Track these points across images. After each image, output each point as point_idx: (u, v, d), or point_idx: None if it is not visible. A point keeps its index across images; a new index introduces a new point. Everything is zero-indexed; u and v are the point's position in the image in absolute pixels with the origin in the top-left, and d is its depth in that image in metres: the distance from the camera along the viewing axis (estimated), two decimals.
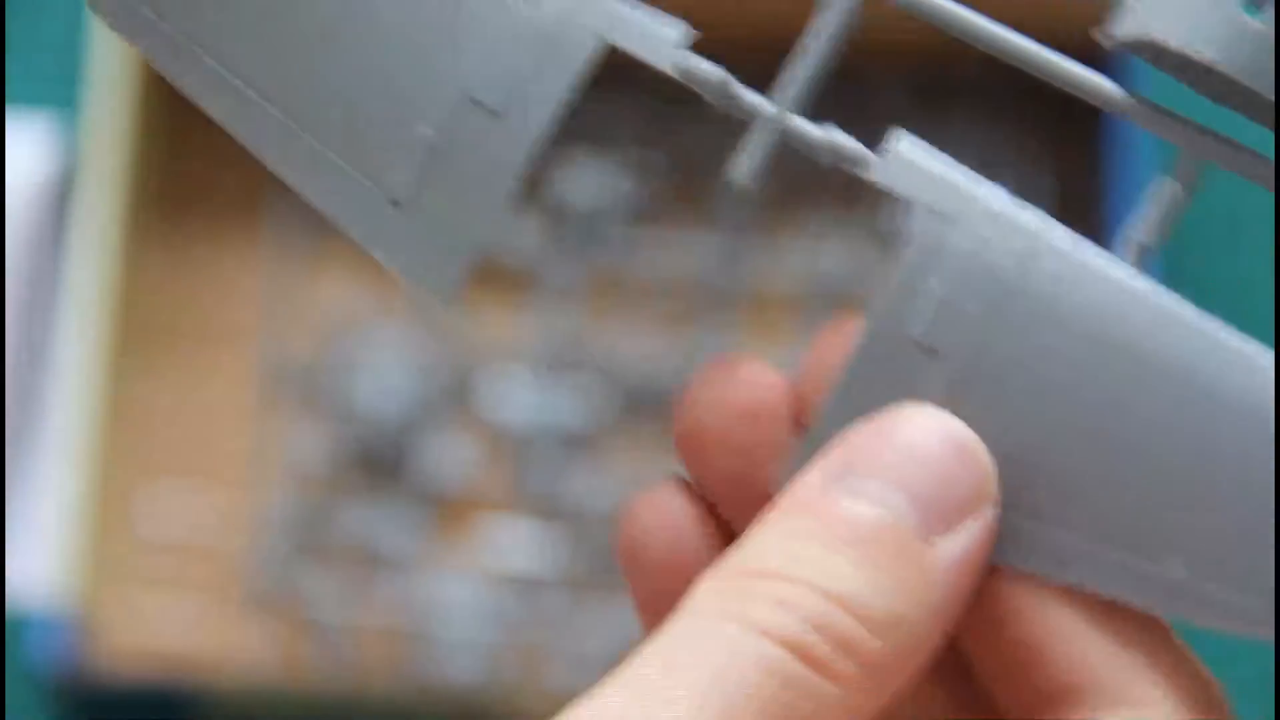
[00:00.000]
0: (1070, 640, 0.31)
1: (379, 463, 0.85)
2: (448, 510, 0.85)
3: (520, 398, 0.85)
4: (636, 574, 0.34)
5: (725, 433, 0.33)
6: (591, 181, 0.86)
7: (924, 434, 0.30)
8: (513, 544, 0.84)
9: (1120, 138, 0.82)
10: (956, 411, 0.30)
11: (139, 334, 0.84)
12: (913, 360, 0.31)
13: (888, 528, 0.29)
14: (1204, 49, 0.30)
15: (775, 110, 0.31)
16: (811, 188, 0.85)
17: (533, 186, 0.88)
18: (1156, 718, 0.30)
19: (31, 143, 0.86)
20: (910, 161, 0.31)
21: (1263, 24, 0.30)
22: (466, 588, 0.83)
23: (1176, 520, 0.30)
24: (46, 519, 0.80)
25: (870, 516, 0.30)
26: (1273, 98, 0.30)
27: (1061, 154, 0.87)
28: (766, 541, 0.30)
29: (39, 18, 0.89)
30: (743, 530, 0.31)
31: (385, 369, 0.85)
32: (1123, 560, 0.30)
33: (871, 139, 0.32)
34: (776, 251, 0.86)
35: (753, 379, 0.33)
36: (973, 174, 0.31)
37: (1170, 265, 0.77)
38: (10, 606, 0.81)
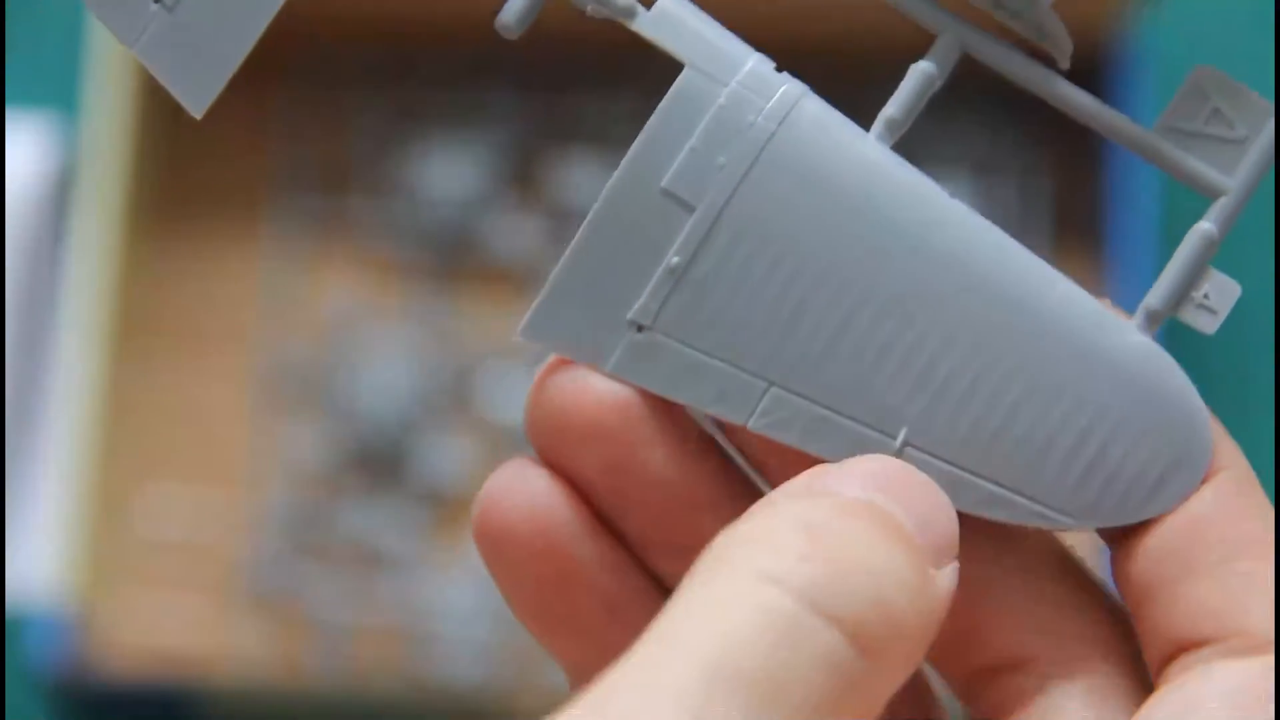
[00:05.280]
0: (1009, 617, 0.31)
1: (379, 462, 0.85)
2: (448, 510, 0.85)
3: (520, 398, 0.85)
4: (502, 565, 0.32)
5: (594, 420, 0.31)
6: (591, 181, 0.86)
7: (909, 471, 0.30)
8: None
9: None
10: (700, 262, 0.31)
11: (139, 334, 0.85)
12: (660, 209, 0.31)
13: (908, 536, 0.29)
14: None
15: None
16: None
17: (532, 186, 0.88)
18: (1094, 673, 0.30)
19: (31, 143, 0.86)
20: (676, 17, 0.31)
21: None
22: (466, 588, 0.83)
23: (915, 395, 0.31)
24: (46, 519, 0.80)
25: (897, 515, 0.29)
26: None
27: (1061, 156, 0.87)
28: (781, 512, 0.29)
29: (39, 18, 0.89)
30: (623, 519, 0.31)
31: (385, 369, 0.85)
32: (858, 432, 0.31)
33: None
34: None
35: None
36: (736, 38, 0.31)
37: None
38: (10, 606, 0.81)
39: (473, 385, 0.86)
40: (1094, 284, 0.85)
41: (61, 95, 0.87)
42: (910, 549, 0.28)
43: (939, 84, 0.32)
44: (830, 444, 0.31)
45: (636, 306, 0.31)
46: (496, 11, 0.31)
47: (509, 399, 0.85)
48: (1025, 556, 0.31)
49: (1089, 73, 0.86)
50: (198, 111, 0.31)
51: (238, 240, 0.88)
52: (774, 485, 0.31)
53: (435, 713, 0.82)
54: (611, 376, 0.31)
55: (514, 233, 0.87)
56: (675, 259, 0.31)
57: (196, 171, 0.88)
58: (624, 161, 0.31)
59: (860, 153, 0.31)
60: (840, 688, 0.27)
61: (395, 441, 0.85)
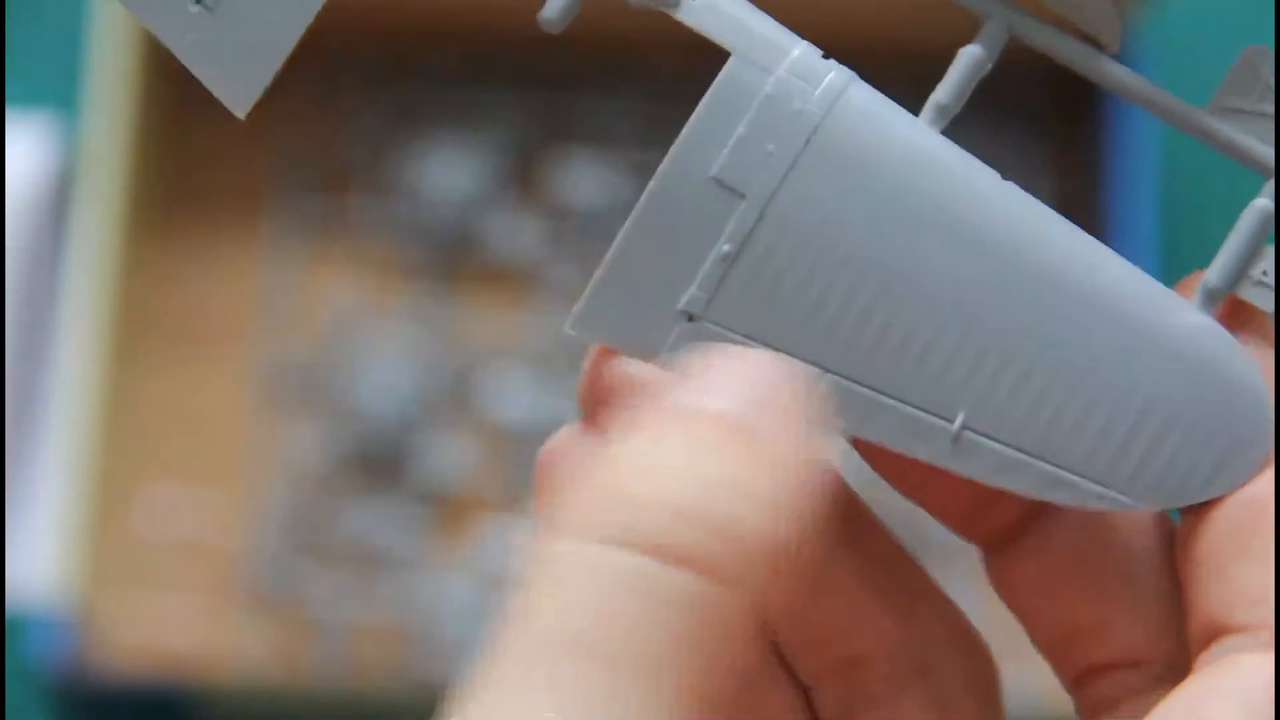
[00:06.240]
0: (1130, 618, 0.31)
1: (378, 462, 0.85)
2: (448, 510, 0.85)
3: (520, 398, 0.85)
4: None
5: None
6: (591, 181, 0.86)
7: (754, 356, 0.29)
8: (512, 544, 0.84)
9: (1119, 137, 0.82)
10: (751, 250, 0.31)
11: (139, 334, 0.84)
12: (710, 197, 0.31)
13: (735, 418, 0.27)
14: None
15: None
16: None
17: (532, 186, 0.88)
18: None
19: (31, 143, 0.86)
20: (721, 6, 0.31)
21: None
22: (466, 588, 0.83)
23: (968, 378, 0.31)
24: (46, 519, 0.80)
25: (719, 408, 0.27)
26: None
27: (1061, 154, 0.87)
28: (608, 460, 0.27)
29: (39, 18, 0.89)
30: None
31: (385, 368, 0.85)
32: (915, 419, 0.30)
33: None
34: None
35: None
36: (782, 27, 0.31)
37: (1170, 261, 0.77)
38: (10, 606, 0.81)
39: (473, 385, 0.86)
40: None
41: (61, 95, 0.87)
42: (748, 446, 0.27)
43: (988, 68, 0.32)
44: (886, 429, 0.30)
45: (687, 296, 0.31)
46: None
47: (509, 399, 0.85)
48: (1153, 558, 0.31)
49: None
50: (241, 112, 0.31)
51: (238, 240, 0.88)
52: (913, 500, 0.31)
53: (435, 713, 0.82)
54: (664, 368, 0.31)
55: (514, 233, 0.87)
56: (726, 247, 0.31)
57: (197, 171, 0.88)
58: (671, 150, 0.31)
59: (909, 138, 0.31)
60: (702, 621, 0.26)
61: (395, 441, 0.85)
